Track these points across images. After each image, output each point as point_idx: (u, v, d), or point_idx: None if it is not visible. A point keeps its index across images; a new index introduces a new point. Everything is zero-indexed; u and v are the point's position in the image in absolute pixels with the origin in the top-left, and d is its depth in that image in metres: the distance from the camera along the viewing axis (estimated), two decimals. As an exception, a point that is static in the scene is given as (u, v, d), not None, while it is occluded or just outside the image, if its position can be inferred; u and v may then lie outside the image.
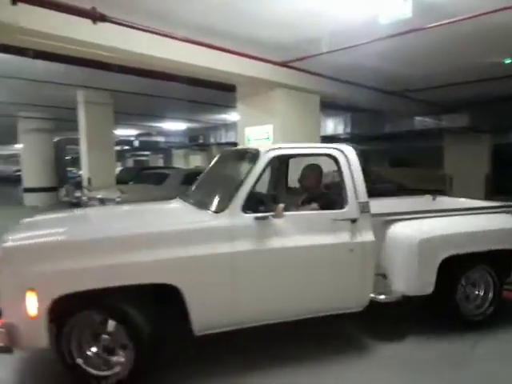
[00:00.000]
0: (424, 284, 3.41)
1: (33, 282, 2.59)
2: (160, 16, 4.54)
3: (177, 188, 10.08)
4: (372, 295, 3.30)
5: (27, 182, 14.60)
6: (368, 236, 3.21)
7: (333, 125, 13.92)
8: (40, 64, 6.75)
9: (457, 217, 3.76)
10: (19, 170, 17.95)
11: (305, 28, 5.14)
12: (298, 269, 3.11)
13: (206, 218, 3.00)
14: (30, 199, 14.33)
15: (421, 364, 3.26)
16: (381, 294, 3.35)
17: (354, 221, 3.17)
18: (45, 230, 3.09)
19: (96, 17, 3.90)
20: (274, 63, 6.24)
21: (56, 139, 15.56)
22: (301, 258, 3.11)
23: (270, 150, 3.19)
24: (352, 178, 3.24)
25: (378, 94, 8.89)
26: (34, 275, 2.59)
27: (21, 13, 3.42)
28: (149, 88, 9.28)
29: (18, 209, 13.68)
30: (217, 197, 3.26)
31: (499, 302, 3.82)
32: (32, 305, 2.58)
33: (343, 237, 3.15)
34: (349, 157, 3.29)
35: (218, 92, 8.39)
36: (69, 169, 21.28)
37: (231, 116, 13.92)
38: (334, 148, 3.33)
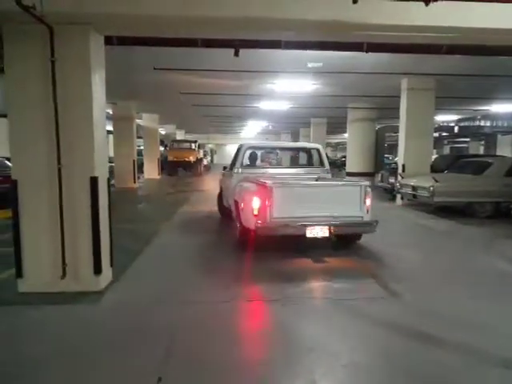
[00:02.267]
0: None
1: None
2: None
3: (499, 179, 8.89)
4: None
5: (349, 167, 16.39)
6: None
7: None
8: (369, 56, 7.39)
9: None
10: (344, 157, 20.38)
11: None
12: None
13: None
14: (350, 182, 16.07)
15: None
16: None
17: None
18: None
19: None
20: None
21: (377, 127, 16.62)
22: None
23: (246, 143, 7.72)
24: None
25: None
26: None
27: (358, 9, 3.84)
28: (477, 68, 8.49)
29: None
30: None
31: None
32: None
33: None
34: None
35: None
36: (386, 155, 22.35)
37: None
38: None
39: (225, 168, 8.22)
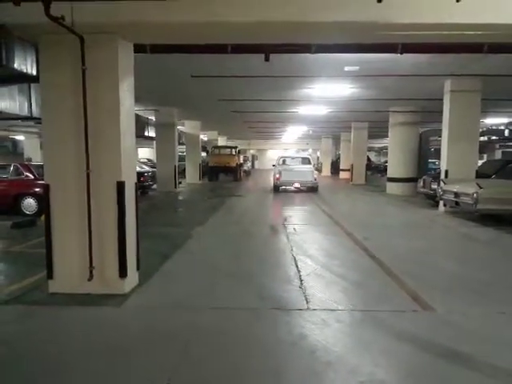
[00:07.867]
0: None
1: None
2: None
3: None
4: None
5: (391, 172, 15.84)
6: None
7: None
8: (407, 58, 7.10)
9: None
10: (387, 161, 19.74)
11: None
12: None
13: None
14: (391, 188, 15.57)
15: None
16: None
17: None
18: None
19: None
20: None
21: (421, 131, 15.96)
22: None
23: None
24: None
25: None
26: None
27: (382, 9, 3.66)
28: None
29: (379, 196, 15.18)
30: None
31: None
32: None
33: None
34: None
35: None
36: (432, 160, 21.37)
37: None
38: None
39: (274, 165, 17.33)
